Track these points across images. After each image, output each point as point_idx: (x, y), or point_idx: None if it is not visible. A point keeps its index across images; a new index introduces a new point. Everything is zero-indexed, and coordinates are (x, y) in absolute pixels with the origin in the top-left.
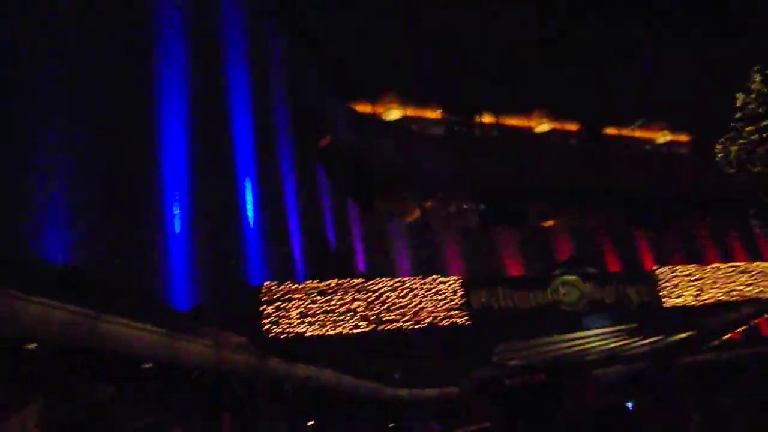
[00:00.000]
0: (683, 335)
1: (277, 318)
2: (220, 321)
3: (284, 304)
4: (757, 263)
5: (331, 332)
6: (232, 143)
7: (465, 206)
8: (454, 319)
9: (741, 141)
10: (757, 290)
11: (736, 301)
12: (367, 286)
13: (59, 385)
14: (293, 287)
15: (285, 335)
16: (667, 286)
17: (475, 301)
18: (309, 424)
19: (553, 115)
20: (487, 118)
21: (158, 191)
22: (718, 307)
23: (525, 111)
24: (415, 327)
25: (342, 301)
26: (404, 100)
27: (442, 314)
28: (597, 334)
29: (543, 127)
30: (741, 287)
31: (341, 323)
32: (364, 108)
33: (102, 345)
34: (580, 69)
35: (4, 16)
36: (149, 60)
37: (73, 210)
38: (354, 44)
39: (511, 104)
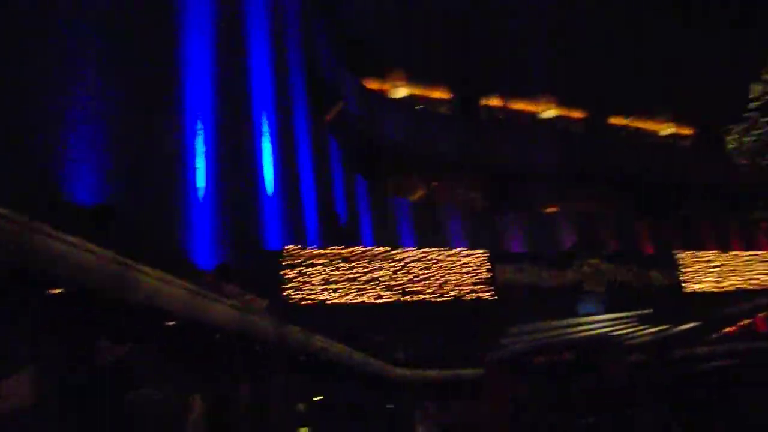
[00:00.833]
0: (689, 325)
1: (299, 283)
2: (243, 284)
3: (307, 269)
4: None
5: (354, 300)
6: (253, 106)
7: (470, 187)
8: (479, 294)
9: (755, 131)
10: None
11: (754, 289)
12: (392, 255)
13: (78, 337)
14: (316, 252)
15: (307, 301)
16: (688, 272)
17: (501, 277)
18: (316, 399)
19: (560, 101)
20: (494, 101)
21: (183, 147)
22: (737, 294)
23: (531, 96)
24: (440, 299)
25: (366, 269)
26: (413, 79)
27: (468, 288)
28: (611, 319)
29: (549, 112)
30: (760, 276)
31: (364, 292)
32: (373, 84)
33: (130, 296)
34: (588, 56)
35: None
36: (174, 27)
37: (100, 158)
38: (368, 21)
39: (518, 88)
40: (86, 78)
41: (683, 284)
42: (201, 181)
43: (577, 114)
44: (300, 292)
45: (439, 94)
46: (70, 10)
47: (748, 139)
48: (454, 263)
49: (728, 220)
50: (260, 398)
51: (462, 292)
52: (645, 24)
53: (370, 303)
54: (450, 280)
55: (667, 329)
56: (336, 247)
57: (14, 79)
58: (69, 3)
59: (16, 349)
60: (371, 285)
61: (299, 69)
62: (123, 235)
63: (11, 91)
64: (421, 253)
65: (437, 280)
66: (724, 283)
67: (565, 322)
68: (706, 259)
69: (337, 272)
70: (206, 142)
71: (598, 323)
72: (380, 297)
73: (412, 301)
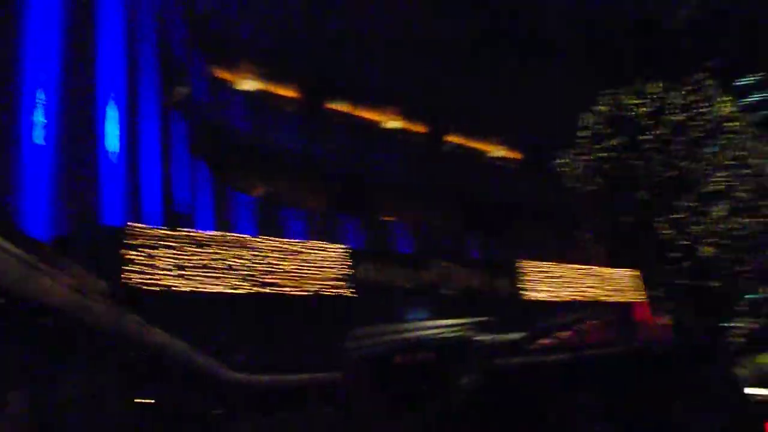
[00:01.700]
0: (515, 336)
1: (142, 266)
2: (79, 261)
3: (153, 251)
4: (607, 268)
5: (207, 290)
6: (99, 72)
7: (313, 189)
8: (339, 290)
9: (585, 158)
10: (602, 294)
11: (583, 301)
12: (251, 243)
13: None
14: (164, 233)
15: (150, 287)
16: (529, 281)
17: (361, 274)
18: (145, 401)
19: (403, 113)
20: (341, 106)
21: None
22: (568, 305)
23: (377, 105)
24: (299, 293)
25: (218, 256)
26: (263, 74)
27: (328, 283)
28: (453, 324)
29: (393, 123)
30: (589, 288)
31: (219, 281)
32: (223, 73)
33: None
34: (432, 72)
35: None
36: None
37: None
38: (221, 7)
39: (364, 96)
40: None
41: (524, 293)
42: (39, 137)
43: (419, 128)
44: (143, 276)
45: (288, 92)
46: None
47: (578, 165)
48: (315, 257)
49: (553, 239)
50: (90, 395)
51: (322, 287)
52: (488, 51)
53: (222, 293)
54: (310, 275)
55: (507, 335)
56: (187, 229)
57: None
58: None
59: None
60: (225, 274)
61: (151, 46)
62: None
63: None
64: (280, 243)
65: (297, 273)
66: (560, 294)
67: (422, 324)
68: (545, 270)
69: (186, 256)
70: (48, 100)
71: (453, 326)
72: (236, 288)
73: (270, 294)
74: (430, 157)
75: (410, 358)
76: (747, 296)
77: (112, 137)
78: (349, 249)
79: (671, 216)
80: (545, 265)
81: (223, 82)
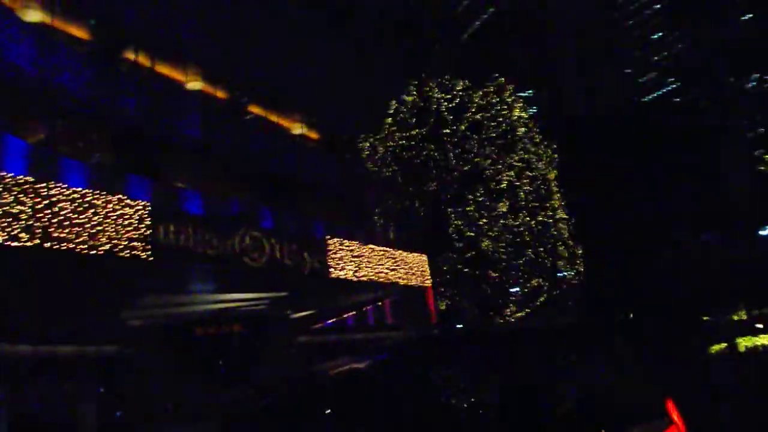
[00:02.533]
0: (305, 313)
1: None
2: None
3: None
4: (401, 252)
5: None
6: None
7: (98, 141)
8: (136, 252)
9: (390, 143)
10: (398, 276)
11: (381, 282)
12: (37, 188)
13: None
14: None
15: None
16: (335, 258)
17: (160, 235)
18: None
19: (206, 75)
20: (140, 58)
21: None
22: (369, 284)
23: (180, 63)
24: (91, 252)
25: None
26: (50, 5)
27: (123, 243)
28: (250, 298)
29: (194, 84)
30: (387, 270)
31: None
32: None
33: None
34: (239, 39)
35: None
36: None
37: None
38: None
39: (165, 52)
40: None
41: (329, 269)
42: None
43: (221, 94)
44: None
45: (80, 33)
46: None
47: (382, 149)
48: (112, 211)
49: (346, 219)
50: None
51: (118, 246)
52: (304, 28)
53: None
54: (105, 231)
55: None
56: None
57: None
58: None
59: None
60: (6, 222)
61: None
62: None
63: None
64: (72, 192)
65: (89, 228)
66: (361, 274)
67: (225, 296)
68: (351, 248)
69: None
70: None
71: (255, 300)
72: (16, 239)
73: (57, 250)
74: (229, 125)
75: (213, 330)
76: (516, 289)
77: None
78: (148, 206)
79: (459, 209)
80: (351, 244)
81: (4, 7)
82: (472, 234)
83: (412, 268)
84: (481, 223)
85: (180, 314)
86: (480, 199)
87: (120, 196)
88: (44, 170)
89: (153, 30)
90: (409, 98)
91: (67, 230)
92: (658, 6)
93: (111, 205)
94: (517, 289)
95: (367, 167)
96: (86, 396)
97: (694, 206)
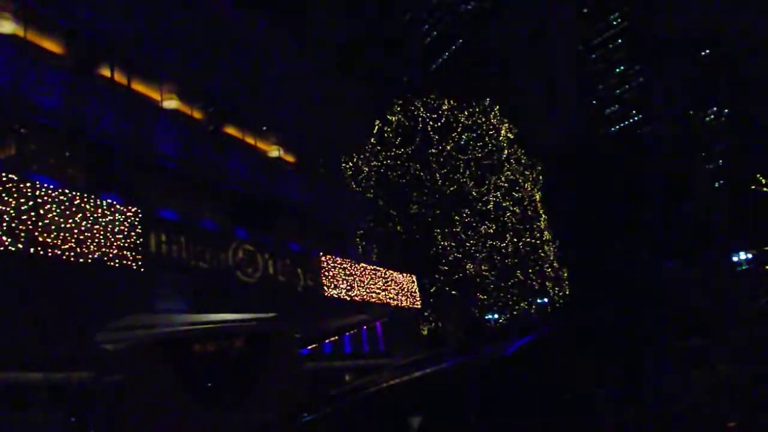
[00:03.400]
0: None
1: None
2: None
3: None
4: (390, 272)
5: None
6: None
7: (71, 159)
8: (126, 261)
9: (375, 163)
10: (389, 296)
11: (372, 302)
12: (23, 188)
13: None
14: None
15: None
16: (328, 275)
17: (152, 245)
18: None
19: (182, 94)
20: (116, 75)
21: None
22: (361, 305)
23: (155, 80)
24: (79, 260)
25: None
26: (23, 16)
27: (114, 251)
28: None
29: (170, 103)
30: (378, 291)
31: None
32: None
33: None
34: (217, 61)
35: None
36: None
37: None
38: None
39: (140, 68)
40: None
41: (323, 287)
42: None
43: (197, 114)
44: None
45: (54, 47)
46: None
47: (367, 168)
48: (102, 216)
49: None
50: None
51: (108, 254)
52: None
53: None
54: (94, 238)
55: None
56: None
57: None
58: None
59: None
60: None
61: None
62: None
63: None
64: (60, 194)
65: (78, 233)
66: (354, 293)
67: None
68: (344, 266)
69: None
70: None
71: (248, 320)
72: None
73: (42, 256)
74: (206, 144)
75: (212, 346)
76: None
77: None
78: (139, 212)
79: (446, 230)
80: (345, 262)
81: None
82: (460, 255)
83: (403, 288)
84: (468, 245)
85: (168, 333)
86: (466, 220)
87: (110, 201)
88: (15, 185)
89: (129, 47)
90: (393, 118)
91: (54, 236)
92: (620, 41)
93: (100, 210)
94: (497, 316)
95: (349, 187)
96: (55, 428)
97: (658, 234)
